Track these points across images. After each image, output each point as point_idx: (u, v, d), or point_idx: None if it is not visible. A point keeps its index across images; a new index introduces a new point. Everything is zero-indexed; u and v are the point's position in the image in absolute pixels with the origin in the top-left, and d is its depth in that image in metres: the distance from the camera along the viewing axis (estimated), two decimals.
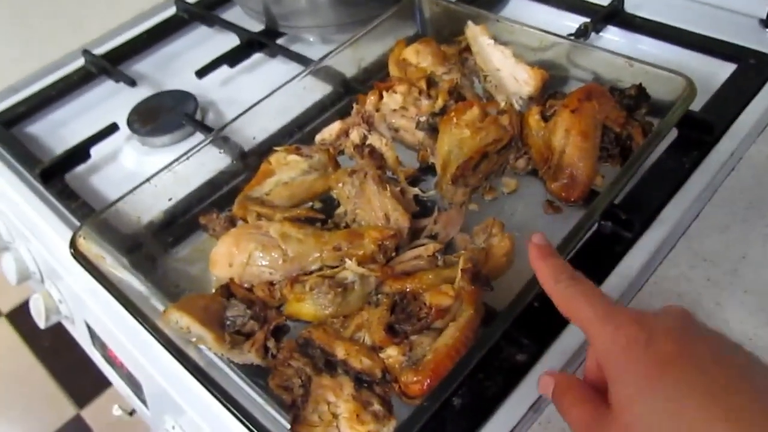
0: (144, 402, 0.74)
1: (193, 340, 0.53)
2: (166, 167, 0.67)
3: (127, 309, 0.54)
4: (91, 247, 0.60)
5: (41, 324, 0.83)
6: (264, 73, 0.96)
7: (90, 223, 0.61)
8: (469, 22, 0.76)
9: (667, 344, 0.34)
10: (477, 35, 0.74)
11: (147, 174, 0.67)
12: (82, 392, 1.96)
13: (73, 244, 0.59)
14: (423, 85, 0.70)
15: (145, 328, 0.53)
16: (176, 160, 0.67)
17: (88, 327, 0.78)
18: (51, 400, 1.96)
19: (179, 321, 0.52)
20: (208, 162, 0.71)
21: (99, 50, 1.00)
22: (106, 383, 1.95)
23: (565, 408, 0.39)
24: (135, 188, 0.65)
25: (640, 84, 0.65)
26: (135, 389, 0.75)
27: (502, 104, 0.67)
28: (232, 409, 0.47)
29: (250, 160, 0.73)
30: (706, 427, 0.31)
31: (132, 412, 0.84)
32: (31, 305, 0.83)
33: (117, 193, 0.67)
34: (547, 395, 0.42)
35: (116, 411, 0.84)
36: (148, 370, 0.64)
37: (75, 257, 0.59)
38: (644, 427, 0.33)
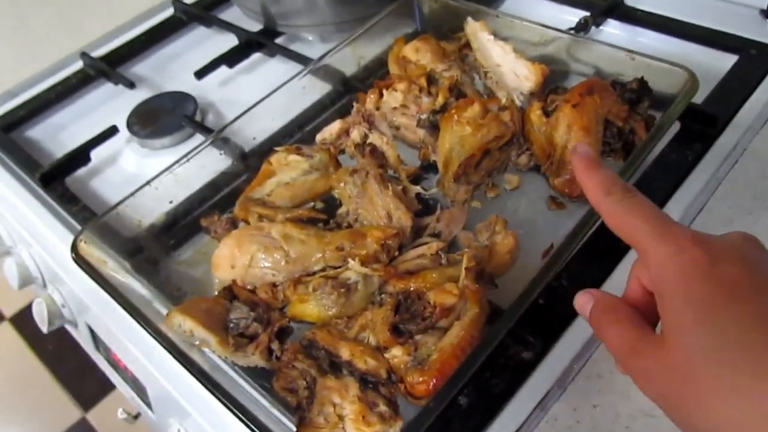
0: (149, 405, 0.74)
1: (197, 343, 0.53)
2: (166, 169, 0.66)
3: (130, 313, 0.54)
4: (93, 251, 0.59)
5: (44, 329, 0.83)
6: (263, 73, 0.95)
7: (91, 227, 0.61)
8: (469, 18, 0.75)
9: (734, 269, 0.31)
10: (477, 31, 0.74)
11: (147, 176, 0.66)
12: (87, 395, 1.96)
13: (74, 248, 0.59)
14: (423, 82, 0.69)
15: (149, 333, 0.53)
16: (176, 162, 0.67)
17: (91, 331, 0.78)
18: (56, 404, 1.96)
19: (182, 324, 0.52)
20: (209, 164, 0.71)
21: (97, 53, 0.99)
22: (110, 386, 1.95)
23: (604, 328, 0.37)
24: (136, 191, 0.64)
25: (642, 77, 0.65)
26: (139, 393, 0.75)
27: (503, 100, 0.66)
28: (237, 412, 0.47)
29: (251, 161, 0.73)
30: None
31: (137, 416, 0.84)
32: (34, 310, 0.83)
33: (117, 196, 0.66)
34: (584, 314, 0.39)
35: (121, 414, 0.83)
36: (153, 373, 0.64)
37: (77, 262, 0.58)
38: (701, 356, 0.30)
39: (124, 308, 0.54)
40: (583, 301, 0.40)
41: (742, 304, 0.30)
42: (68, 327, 0.89)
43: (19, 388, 1.93)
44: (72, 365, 2.04)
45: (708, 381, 0.30)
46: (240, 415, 0.46)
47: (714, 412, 0.30)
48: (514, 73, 0.70)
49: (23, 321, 2.20)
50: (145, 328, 0.53)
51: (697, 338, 0.31)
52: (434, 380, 0.47)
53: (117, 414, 0.83)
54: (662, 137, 0.61)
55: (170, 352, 0.52)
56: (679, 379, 0.31)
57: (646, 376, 0.33)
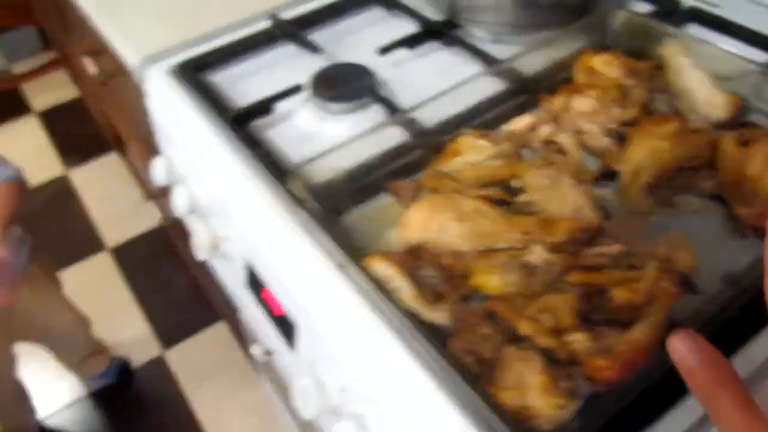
0: (291, 346, 0.78)
1: (388, 289, 0.57)
2: (359, 135, 0.72)
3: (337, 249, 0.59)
4: (298, 190, 0.65)
5: (201, 256, 0.89)
6: (433, 60, 0.98)
7: (298, 168, 0.67)
8: (668, 40, 0.77)
9: None
10: (675, 54, 0.75)
11: (320, 137, 0.77)
12: (170, 333, 2.06)
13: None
14: (616, 93, 0.72)
15: (354, 267, 0.57)
16: (370, 129, 0.73)
17: (249, 268, 0.83)
18: (140, 338, 2.07)
19: (385, 269, 0.56)
20: (390, 136, 0.76)
21: (284, 15, 1.06)
22: (193, 328, 2.05)
23: (721, 403, 0.33)
24: (335, 148, 0.70)
25: None
26: (286, 333, 0.79)
27: (697, 124, 0.68)
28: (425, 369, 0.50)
29: (428, 140, 0.77)
30: None
31: (269, 353, 0.89)
32: (194, 239, 0.89)
33: (289, 149, 0.72)
34: (681, 364, 0.34)
35: (255, 350, 0.89)
36: (310, 316, 0.68)
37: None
38: None
39: (333, 243, 0.59)
40: (684, 348, 0.35)
41: None
42: (214, 260, 0.95)
43: (108, 319, 2.03)
44: (161, 302, 2.14)
45: None
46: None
47: None
48: (707, 101, 0.71)
49: (123, 253, 2.32)
50: (351, 262, 0.58)
51: None
52: (621, 368, 0.49)
53: (253, 351, 0.89)
54: None
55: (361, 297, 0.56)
56: None
57: None
